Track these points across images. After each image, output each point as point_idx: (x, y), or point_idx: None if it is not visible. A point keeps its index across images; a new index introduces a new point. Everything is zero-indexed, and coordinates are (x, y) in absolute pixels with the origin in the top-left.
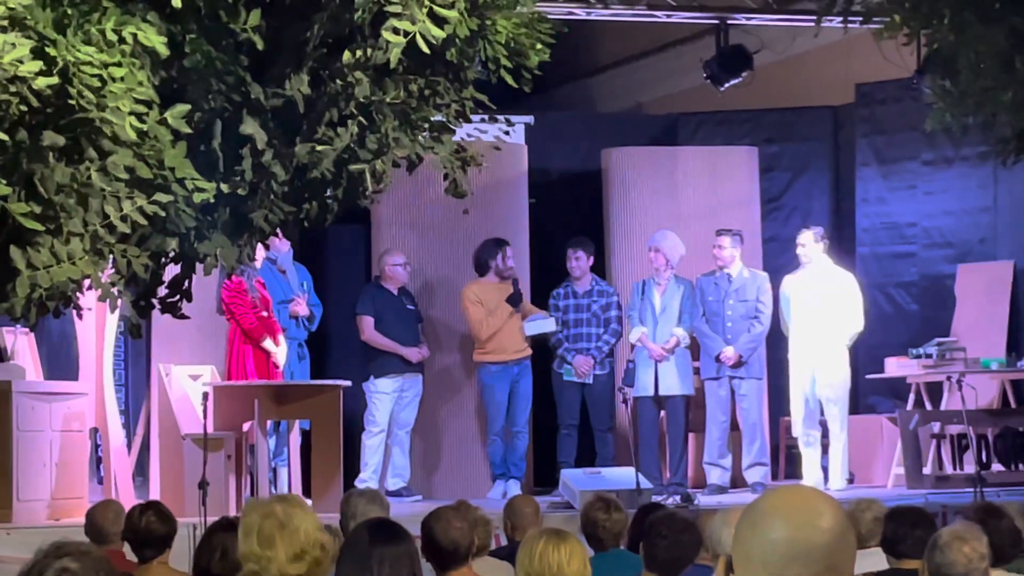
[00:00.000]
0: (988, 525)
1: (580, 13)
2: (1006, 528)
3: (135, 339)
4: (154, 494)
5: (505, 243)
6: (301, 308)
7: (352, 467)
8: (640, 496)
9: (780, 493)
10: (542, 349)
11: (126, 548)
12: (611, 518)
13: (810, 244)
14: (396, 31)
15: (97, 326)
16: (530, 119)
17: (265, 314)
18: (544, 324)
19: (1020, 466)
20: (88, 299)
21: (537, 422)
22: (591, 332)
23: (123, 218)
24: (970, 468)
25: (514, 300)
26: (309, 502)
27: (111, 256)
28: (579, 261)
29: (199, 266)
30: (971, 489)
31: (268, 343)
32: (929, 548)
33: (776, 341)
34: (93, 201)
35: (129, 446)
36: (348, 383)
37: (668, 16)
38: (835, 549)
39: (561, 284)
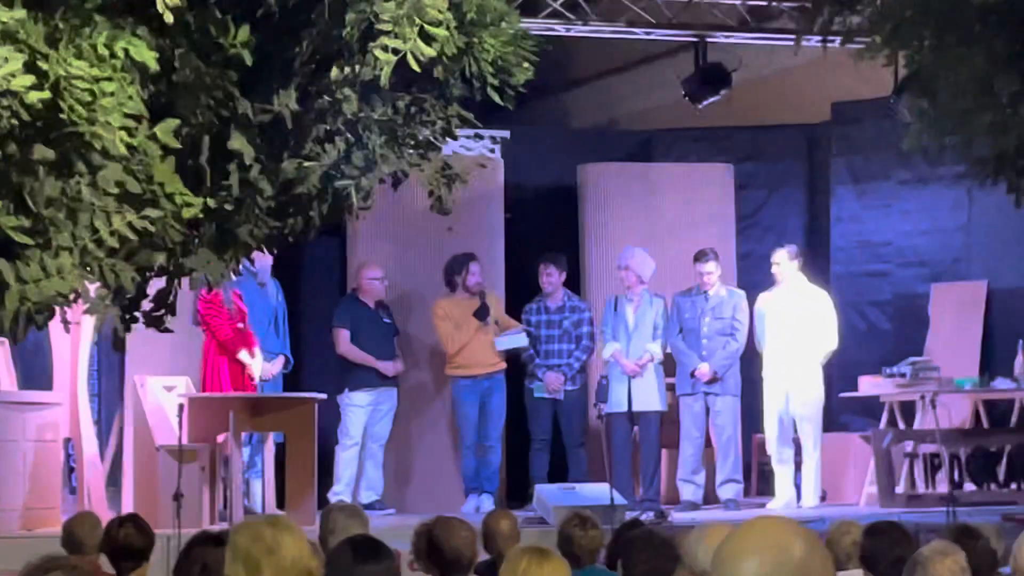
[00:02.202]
0: (964, 546)
1: (559, 29)
2: (982, 549)
3: (118, 353)
4: (127, 505)
5: (473, 258)
6: (275, 368)
7: (325, 480)
8: (615, 512)
9: (747, 531)
10: (514, 364)
11: (103, 560)
12: (587, 535)
13: (784, 262)
14: (387, 49)
15: (72, 337)
16: (506, 134)
17: (241, 326)
18: (516, 339)
19: (992, 486)
20: (73, 312)
21: (510, 438)
22: (562, 348)
23: (112, 233)
24: (943, 488)
25: (480, 314)
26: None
27: (99, 270)
28: (551, 276)
29: (184, 280)
30: (943, 509)
31: (243, 355)
32: (908, 568)
33: (750, 359)
34: (83, 215)
35: (102, 457)
36: (323, 396)
37: (648, 33)
38: (809, 573)
39: (533, 299)
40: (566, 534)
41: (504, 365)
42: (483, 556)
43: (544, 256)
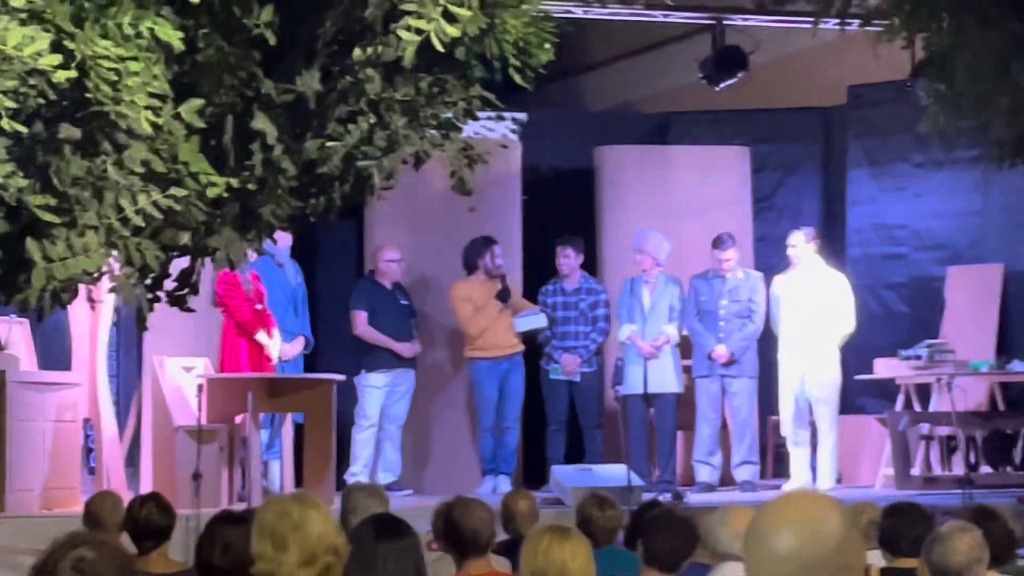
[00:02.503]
0: (982, 527)
1: (577, 12)
2: (1000, 530)
3: (142, 331)
4: (145, 485)
5: (493, 241)
6: (295, 349)
7: (343, 461)
8: (631, 494)
9: (781, 505)
10: (531, 346)
11: (124, 538)
12: (605, 515)
13: (801, 245)
14: (410, 29)
15: (91, 318)
16: (523, 116)
17: (259, 307)
18: (535, 320)
19: (1008, 468)
20: (96, 291)
21: (526, 420)
22: (579, 330)
23: (137, 211)
24: (958, 470)
25: (502, 296)
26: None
27: (124, 248)
28: (567, 259)
29: (207, 260)
30: (959, 491)
31: (262, 336)
32: (928, 543)
33: (767, 341)
34: (108, 194)
35: (120, 437)
36: (342, 377)
37: (665, 16)
38: (845, 551)
39: (550, 281)
40: (585, 514)
41: (522, 347)
42: (501, 536)
43: (561, 239)
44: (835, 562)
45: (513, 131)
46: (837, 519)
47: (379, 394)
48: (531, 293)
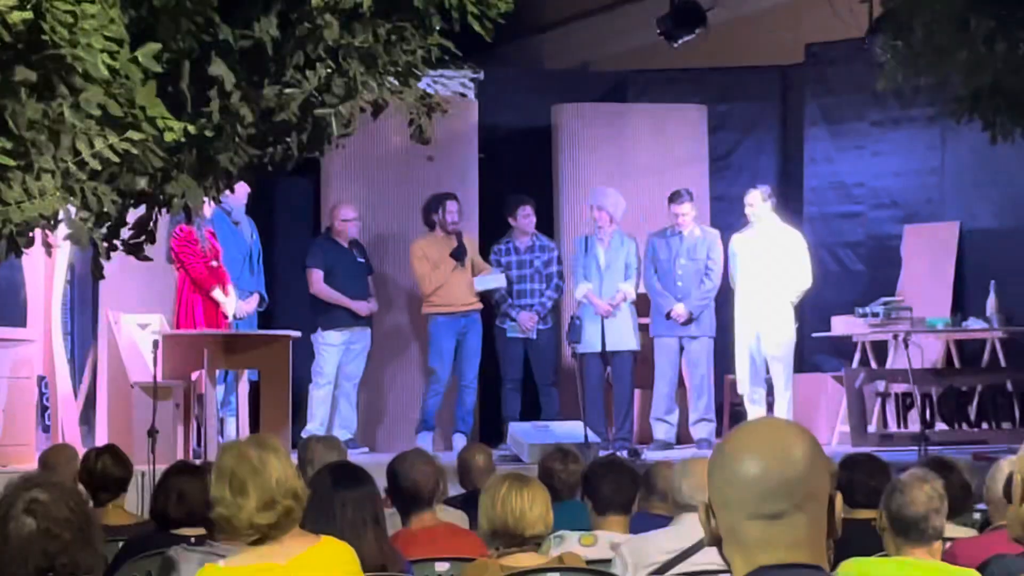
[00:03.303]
0: (939, 478)
1: None
2: (956, 481)
3: (97, 281)
4: (101, 441)
5: (449, 197)
6: (250, 307)
7: (299, 419)
8: (589, 450)
9: (746, 431)
10: (486, 305)
11: (80, 490)
12: (567, 468)
13: (758, 203)
14: None
15: (46, 274)
16: (480, 75)
17: (215, 264)
18: (496, 279)
19: (963, 425)
20: (52, 237)
21: (482, 378)
22: (534, 288)
23: (94, 155)
24: (915, 427)
25: (457, 254)
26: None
27: (81, 193)
28: (529, 217)
29: (164, 210)
30: (915, 447)
31: (217, 293)
32: (888, 492)
33: (724, 300)
34: (64, 138)
35: (75, 394)
36: (297, 334)
37: None
38: (810, 476)
39: (501, 240)
40: (547, 467)
41: (480, 305)
42: (459, 490)
43: (520, 198)
44: (801, 488)
45: (465, 84)
46: (803, 445)
47: (335, 352)
48: (487, 251)
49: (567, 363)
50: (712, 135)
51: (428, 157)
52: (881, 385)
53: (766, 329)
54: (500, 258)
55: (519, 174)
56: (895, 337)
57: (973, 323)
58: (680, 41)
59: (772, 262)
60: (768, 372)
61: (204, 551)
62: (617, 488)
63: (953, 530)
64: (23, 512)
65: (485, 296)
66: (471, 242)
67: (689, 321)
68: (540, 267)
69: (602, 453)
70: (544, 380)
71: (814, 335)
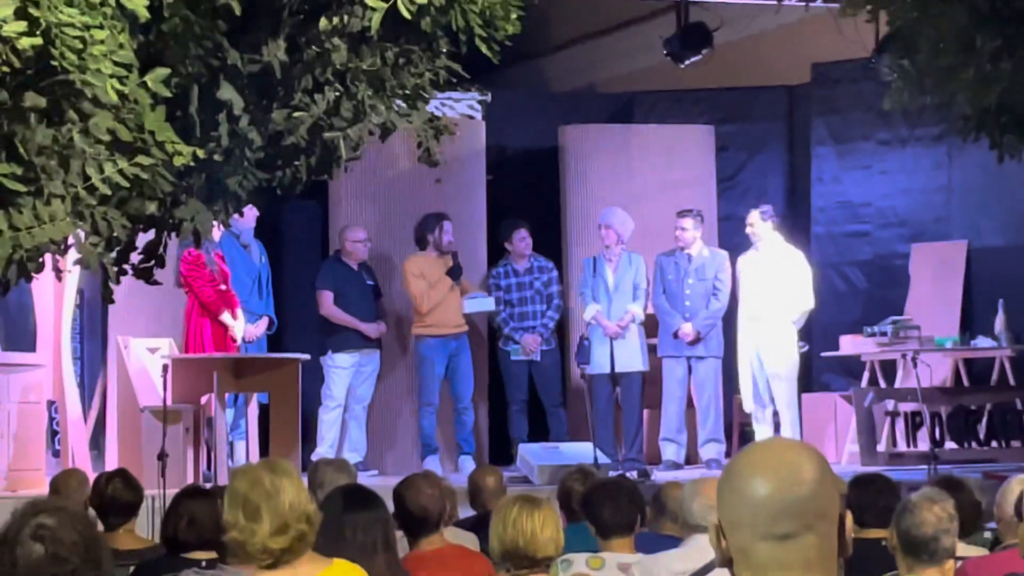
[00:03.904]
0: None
1: None
2: (967, 501)
3: (107, 305)
4: (111, 466)
5: (444, 217)
6: (259, 330)
7: (309, 442)
8: (598, 471)
9: (755, 451)
10: (489, 328)
11: (90, 515)
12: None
13: (758, 223)
14: None
15: (55, 298)
16: (487, 97)
17: (223, 287)
18: (484, 303)
19: (973, 444)
20: (62, 262)
21: (490, 400)
22: (536, 309)
23: (104, 180)
24: (924, 446)
25: (453, 274)
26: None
27: (91, 218)
28: (525, 240)
29: (173, 234)
30: (924, 466)
31: (226, 316)
32: (898, 512)
33: (731, 320)
34: (74, 163)
35: (85, 419)
36: (307, 356)
37: None
38: (820, 496)
39: (499, 264)
40: (567, 488)
41: (467, 327)
42: (469, 512)
43: (514, 222)
44: (811, 508)
45: (474, 108)
46: (812, 465)
47: (345, 374)
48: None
49: (573, 383)
50: (719, 155)
51: (436, 180)
52: (890, 404)
53: (766, 349)
54: (499, 281)
55: (526, 195)
56: (904, 356)
57: (981, 341)
58: (687, 62)
59: (772, 282)
60: (771, 391)
61: (215, 575)
62: (615, 511)
63: (964, 549)
64: (30, 538)
65: (474, 318)
66: (477, 263)
67: (696, 341)
68: (540, 288)
69: (612, 474)
70: (551, 401)
71: (823, 354)
